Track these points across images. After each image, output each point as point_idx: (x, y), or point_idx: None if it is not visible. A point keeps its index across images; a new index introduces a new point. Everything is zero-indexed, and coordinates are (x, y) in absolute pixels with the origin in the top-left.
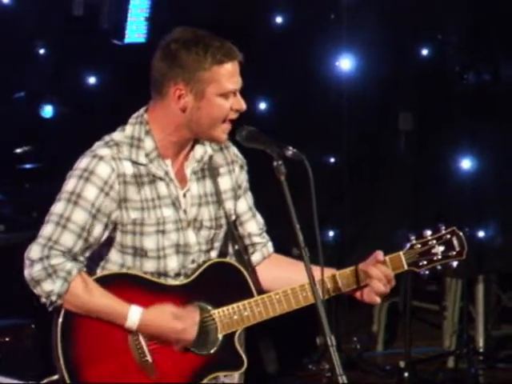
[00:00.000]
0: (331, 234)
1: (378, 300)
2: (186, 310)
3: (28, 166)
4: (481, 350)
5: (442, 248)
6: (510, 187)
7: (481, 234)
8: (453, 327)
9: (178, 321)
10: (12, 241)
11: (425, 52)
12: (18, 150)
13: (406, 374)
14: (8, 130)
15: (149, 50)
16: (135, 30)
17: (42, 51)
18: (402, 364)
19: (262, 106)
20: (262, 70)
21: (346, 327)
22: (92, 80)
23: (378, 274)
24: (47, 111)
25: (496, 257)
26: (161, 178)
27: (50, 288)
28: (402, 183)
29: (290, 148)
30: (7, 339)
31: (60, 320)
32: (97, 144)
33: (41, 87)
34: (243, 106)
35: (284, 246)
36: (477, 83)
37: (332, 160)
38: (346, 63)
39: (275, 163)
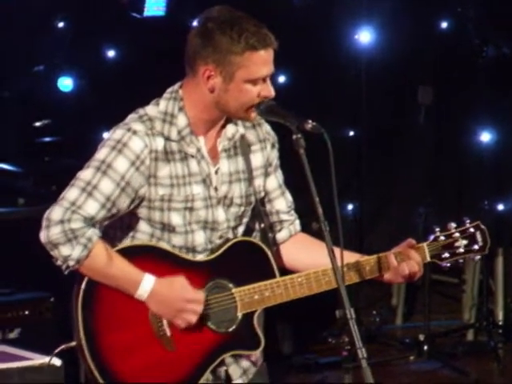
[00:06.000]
0: (350, 207)
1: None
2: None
3: (47, 139)
4: (500, 323)
5: (465, 242)
6: None
7: (500, 207)
8: (472, 300)
9: (188, 292)
10: (31, 214)
11: (444, 25)
12: (37, 124)
13: (426, 347)
14: (27, 104)
15: (167, 23)
16: (154, 3)
17: (61, 24)
18: (421, 337)
19: (281, 79)
20: (281, 43)
21: (366, 300)
22: (111, 53)
23: (417, 256)
24: (66, 84)
25: None
26: (192, 156)
27: (68, 253)
28: (421, 157)
29: (310, 121)
30: (27, 312)
31: (82, 287)
32: (130, 117)
33: (60, 60)
34: (271, 93)
35: (303, 219)
36: (496, 57)
37: (351, 133)
38: (365, 36)
39: (294, 136)
